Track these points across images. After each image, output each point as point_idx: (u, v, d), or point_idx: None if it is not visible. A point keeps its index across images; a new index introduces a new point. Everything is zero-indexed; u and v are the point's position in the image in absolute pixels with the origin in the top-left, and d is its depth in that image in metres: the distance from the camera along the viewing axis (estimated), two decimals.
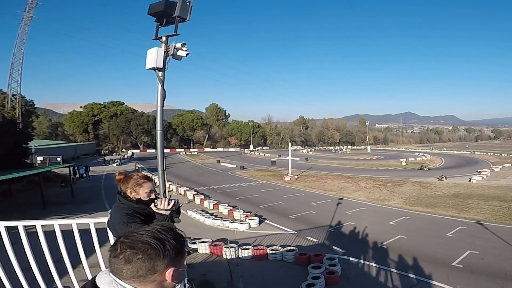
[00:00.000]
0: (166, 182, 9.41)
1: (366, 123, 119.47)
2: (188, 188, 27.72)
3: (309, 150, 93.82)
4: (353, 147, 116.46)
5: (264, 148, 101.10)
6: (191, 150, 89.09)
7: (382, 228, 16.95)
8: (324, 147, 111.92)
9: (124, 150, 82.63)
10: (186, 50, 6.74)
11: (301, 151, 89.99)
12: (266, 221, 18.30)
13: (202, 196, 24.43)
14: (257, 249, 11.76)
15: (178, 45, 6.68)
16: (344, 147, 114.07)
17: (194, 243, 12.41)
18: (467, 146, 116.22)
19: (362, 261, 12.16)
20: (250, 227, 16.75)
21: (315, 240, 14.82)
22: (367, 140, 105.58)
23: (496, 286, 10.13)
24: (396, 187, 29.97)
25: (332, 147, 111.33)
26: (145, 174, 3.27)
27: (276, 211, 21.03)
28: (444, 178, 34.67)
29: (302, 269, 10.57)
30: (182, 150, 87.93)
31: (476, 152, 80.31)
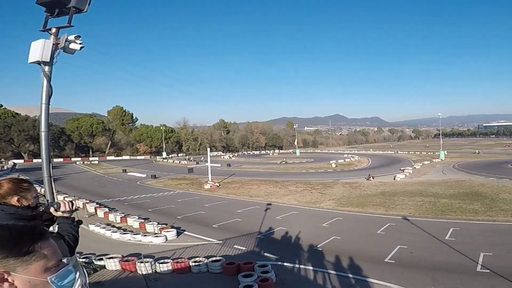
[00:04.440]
0: (54, 189, 8.85)
1: (295, 126, 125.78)
2: (88, 201, 26.49)
3: (231, 155, 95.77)
4: (281, 151, 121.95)
5: (179, 155, 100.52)
6: (90, 159, 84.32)
7: (315, 231, 18.14)
8: (249, 152, 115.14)
9: (3, 160, 73.83)
10: (80, 43, 6.67)
11: (222, 157, 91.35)
12: (185, 232, 18.29)
13: (107, 209, 23.68)
14: (178, 262, 11.62)
15: (71, 37, 6.63)
16: (271, 151, 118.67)
17: (101, 259, 12.07)
18: (391, 146, 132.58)
19: (297, 266, 12.77)
20: (167, 239, 16.59)
21: (244, 248, 15.19)
22: (296, 143, 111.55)
23: (426, 278, 11.66)
24: (327, 189, 32.43)
25: (257, 151, 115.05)
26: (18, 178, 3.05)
27: (196, 221, 21.17)
28: (371, 178, 38.74)
29: (232, 279, 10.70)
30: (79, 159, 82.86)
31: (399, 152, 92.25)
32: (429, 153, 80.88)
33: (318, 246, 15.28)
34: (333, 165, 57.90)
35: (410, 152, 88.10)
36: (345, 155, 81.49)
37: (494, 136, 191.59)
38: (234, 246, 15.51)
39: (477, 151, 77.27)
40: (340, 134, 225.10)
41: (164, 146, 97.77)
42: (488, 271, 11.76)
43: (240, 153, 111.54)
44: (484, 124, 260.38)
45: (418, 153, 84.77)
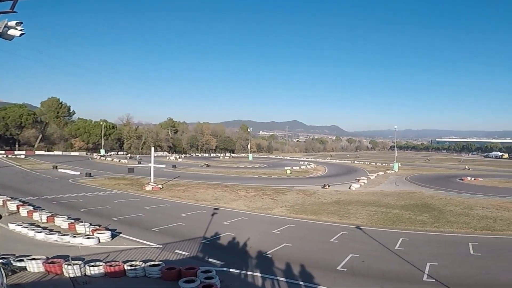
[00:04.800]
0: None
1: (249, 130, 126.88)
2: (9, 198, 24.95)
3: (178, 156, 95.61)
4: (233, 155, 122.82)
5: (119, 153, 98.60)
6: (16, 152, 79.46)
7: (265, 237, 18.44)
8: (197, 154, 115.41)
9: None
10: (21, 30, 6.79)
11: (168, 157, 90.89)
12: (121, 235, 17.87)
13: (31, 208, 22.47)
14: (111, 265, 11.29)
15: (12, 23, 6.68)
16: (222, 154, 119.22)
17: (21, 260, 11.59)
18: (348, 155, 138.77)
19: (245, 272, 12.96)
20: (99, 242, 16.05)
21: (186, 253, 15.17)
22: (249, 147, 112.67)
23: (376, 286, 12.37)
24: (280, 196, 33.17)
25: (207, 154, 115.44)
26: None
27: (134, 223, 20.80)
28: (327, 186, 40.24)
29: (172, 284, 10.62)
30: (3, 152, 77.71)
31: (355, 162, 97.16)
32: (384, 164, 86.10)
33: (268, 252, 15.49)
34: (288, 172, 59.15)
35: (366, 163, 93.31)
36: (301, 162, 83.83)
37: (445, 151, 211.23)
38: (176, 250, 15.42)
39: (466, 167, 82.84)
40: (297, 141, 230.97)
41: (103, 143, 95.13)
42: (434, 280, 12.69)
43: (187, 154, 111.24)
44: (436, 139, 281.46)
45: (374, 163, 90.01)
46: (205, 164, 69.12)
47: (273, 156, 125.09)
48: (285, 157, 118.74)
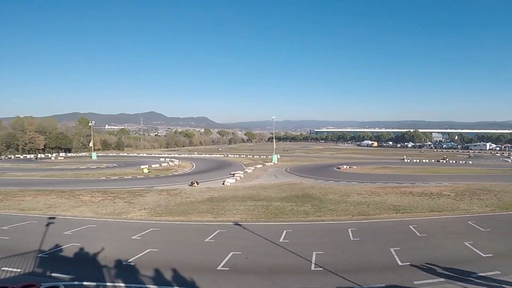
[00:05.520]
0: None
1: (90, 123, 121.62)
2: None
3: None
4: (70, 154, 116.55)
5: None
6: None
7: (123, 245, 18.33)
8: (18, 156, 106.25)
9: None
10: None
11: None
12: None
13: None
14: None
15: None
16: (54, 154, 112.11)
17: None
18: (220, 149, 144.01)
19: (103, 284, 12.96)
20: None
21: (19, 270, 14.44)
22: (91, 144, 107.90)
23: (265, 281, 13.40)
24: (137, 198, 33.05)
25: (33, 155, 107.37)
26: None
27: None
28: (195, 184, 41.27)
29: None
30: None
31: (229, 155, 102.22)
32: (262, 156, 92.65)
33: (129, 260, 15.44)
34: (145, 171, 58.89)
35: (242, 156, 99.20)
36: (162, 159, 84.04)
37: (323, 141, 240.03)
38: (3, 268, 14.53)
39: (404, 157, 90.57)
40: (155, 135, 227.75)
41: None
42: (322, 269, 14.39)
43: (3, 157, 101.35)
44: (315, 130, 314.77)
45: (251, 156, 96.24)
46: (147, 169, 61.21)
47: (125, 154, 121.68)
48: (141, 154, 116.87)
